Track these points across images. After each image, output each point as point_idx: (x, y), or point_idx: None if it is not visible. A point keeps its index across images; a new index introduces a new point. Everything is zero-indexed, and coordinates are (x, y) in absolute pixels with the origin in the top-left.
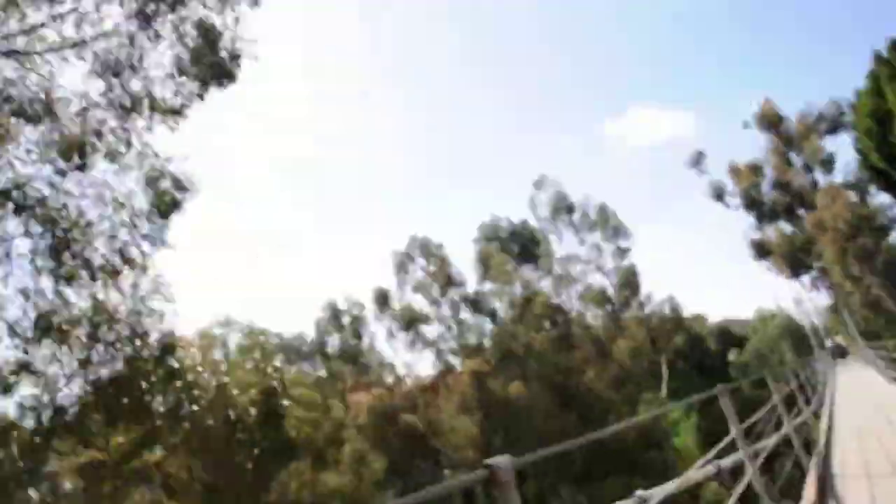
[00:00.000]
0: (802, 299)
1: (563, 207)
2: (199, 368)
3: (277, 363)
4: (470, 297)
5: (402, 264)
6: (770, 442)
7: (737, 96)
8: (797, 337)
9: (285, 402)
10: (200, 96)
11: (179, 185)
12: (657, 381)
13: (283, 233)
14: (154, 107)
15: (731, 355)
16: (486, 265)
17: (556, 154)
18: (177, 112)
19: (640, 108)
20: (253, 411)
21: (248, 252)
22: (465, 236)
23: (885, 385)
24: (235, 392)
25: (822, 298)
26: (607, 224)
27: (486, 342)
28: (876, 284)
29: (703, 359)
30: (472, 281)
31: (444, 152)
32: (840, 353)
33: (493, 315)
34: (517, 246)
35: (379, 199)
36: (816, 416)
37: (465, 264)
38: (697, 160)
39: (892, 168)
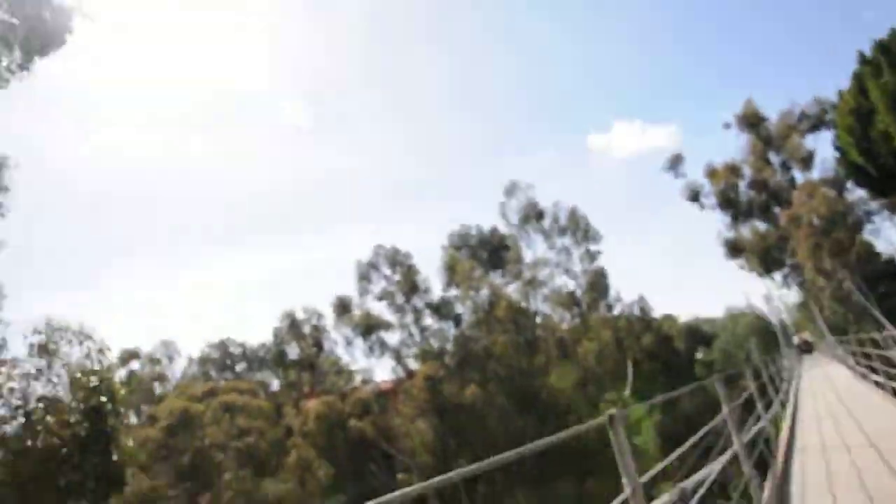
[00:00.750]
0: (772, 296)
1: (533, 214)
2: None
3: (112, 375)
4: (434, 303)
5: (365, 274)
6: (714, 469)
7: (722, 107)
8: (765, 334)
9: (124, 421)
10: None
11: None
12: (622, 382)
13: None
14: None
15: (699, 354)
16: (452, 271)
17: (539, 168)
18: None
19: (625, 124)
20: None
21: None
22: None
23: (851, 380)
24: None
25: (792, 295)
26: (577, 228)
27: (450, 347)
28: (847, 279)
29: (670, 358)
30: (438, 288)
31: (427, 166)
32: (807, 348)
33: (457, 320)
34: (486, 253)
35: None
36: (776, 422)
37: (434, 273)
38: (675, 163)
39: (870, 164)
